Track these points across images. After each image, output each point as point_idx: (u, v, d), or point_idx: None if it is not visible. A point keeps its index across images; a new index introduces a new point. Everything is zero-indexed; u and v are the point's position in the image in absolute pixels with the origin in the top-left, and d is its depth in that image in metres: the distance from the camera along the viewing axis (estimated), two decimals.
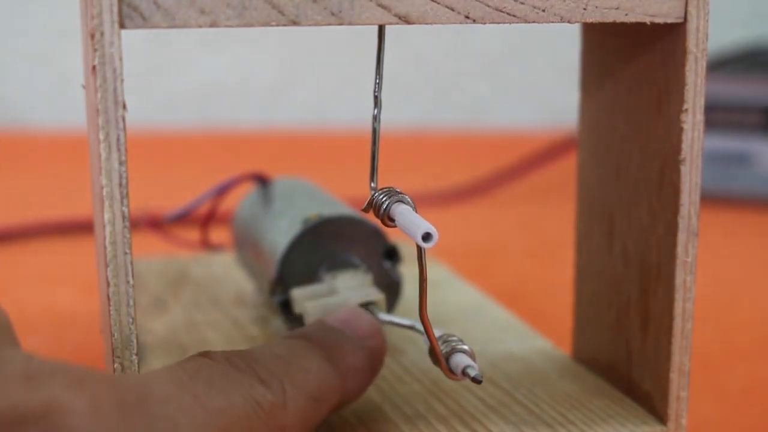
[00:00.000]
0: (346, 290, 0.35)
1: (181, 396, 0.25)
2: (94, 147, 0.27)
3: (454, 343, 0.30)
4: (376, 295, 0.35)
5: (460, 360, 0.30)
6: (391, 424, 0.31)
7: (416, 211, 0.29)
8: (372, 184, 0.31)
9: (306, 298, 0.35)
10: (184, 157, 0.96)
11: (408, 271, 0.45)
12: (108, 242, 0.26)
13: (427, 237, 0.27)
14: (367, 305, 0.35)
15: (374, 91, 0.31)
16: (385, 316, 0.35)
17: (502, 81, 1.12)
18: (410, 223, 0.28)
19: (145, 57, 1.07)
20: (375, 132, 0.31)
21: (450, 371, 0.30)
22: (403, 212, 0.29)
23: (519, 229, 0.71)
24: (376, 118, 0.31)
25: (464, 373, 0.30)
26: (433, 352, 0.30)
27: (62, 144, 0.93)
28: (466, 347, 0.30)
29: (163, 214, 0.46)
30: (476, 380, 0.30)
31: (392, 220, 0.29)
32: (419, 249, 0.28)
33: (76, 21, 0.34)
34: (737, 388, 0.43)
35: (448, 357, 0.30)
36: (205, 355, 0.27)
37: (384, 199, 0.29)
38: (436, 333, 0.31)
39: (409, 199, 0.29)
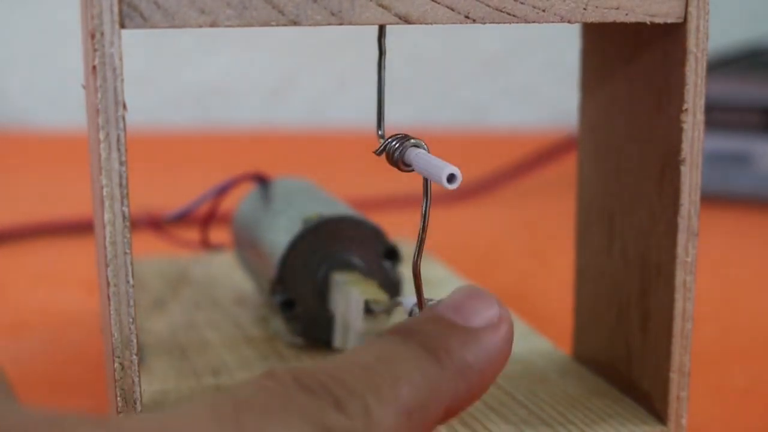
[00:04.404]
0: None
1: None
2: (94, 147, 0.27)
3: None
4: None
5: None
6: None
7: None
8: (379, 132, 0.30)
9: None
10: (184, 157, 0.96)
11: (408, 271, 0.45)
12: (108, 242, 0.26)
13: (451, 178, 0.26)
14: (366, 303, 0.35)
15: (378, 39, 0.31)
16: (376, 307, 0.35)
17: (502, 81, 1.12)
18: (431, 165, 0.27)
19: (145, 57, 1.07)
20: (380, 79, 0.31)
21: None
22: (420, 155, 0.28)
23: (519, 229, 0.71)
24: (381, 66, 0.31)
25: None
26: (418, 306, 0.30)
27: (62, 144, 0.93)
28: None
29: (163, 214, 0.46)
30: None
31: (408, 165, 0.28)
32: (426, 184, 0.27)
33: (76, 21, 0.34)
34: (737, 388, 0.43)
35: None
36: (268, 375, 0.22)
37: (397, 144, 0.29)
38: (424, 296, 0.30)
39: (424, 144, 0.28)
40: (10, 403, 0.23)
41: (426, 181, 0.28)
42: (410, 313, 0.30)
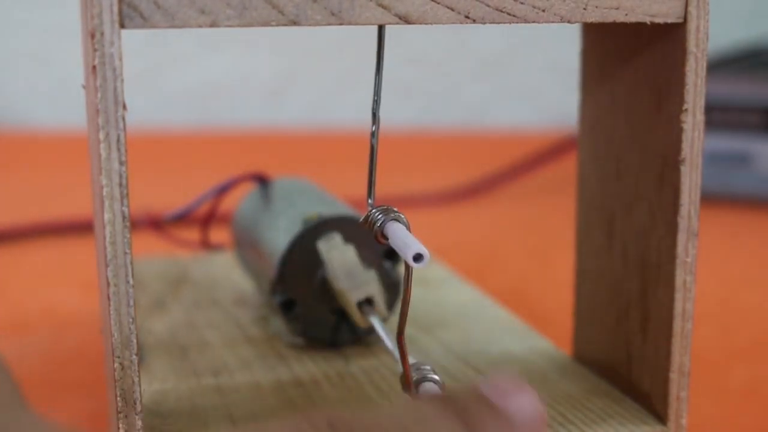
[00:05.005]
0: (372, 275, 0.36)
1: None
2: (94, 147, 0.27)
3: (425, 372, 0.30)
4: (382, 308, 0.35)
5: (429, 389, 0.30)
6: None
7: (410, 231, 0.29)
8: (369, 201, 0.31)
9: (334, 248, 0.36)
10: (184, 157, 0.96)
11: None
12: (108, 242, 0.26)
13: (418, 258, 0.27)
14: (365, 302, 0.35)
15: (372, 109, 0.31)
16: (377, 324, 0.35)
17: (502, 81, 1.12)
18: (402, 243, 0.28)
19: (145, 57, 1.07)
20: (373, 149, 0.31)
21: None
22: (396, 231, 0.29)
23: (519, 229, 0.71)
24: (374, 135, 0.31)
25: None
26: (404, 377, 0.31)
27: (62, 144, 0.93)
28: (437, 377, 0.30)
29: (163, 214, 0.46)
30: None
31: (385, 238, 0.29)
32: (407, 270, 0.29)
33: (76, 21, 0.34)
34: (737, 388, 0.43)
35: (417, 384, 0.30)
36: (304, 418, 0.23)
37: (379, 216, 0.30)
38: (410, 360, 0.31)
39: (404, 219, 0.30)
40: (25, 414, 0.23)
41: (406, 266, 0.29)
42: (401, 375, 0.31)
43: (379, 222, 0.30)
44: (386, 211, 0.30)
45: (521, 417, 0.25)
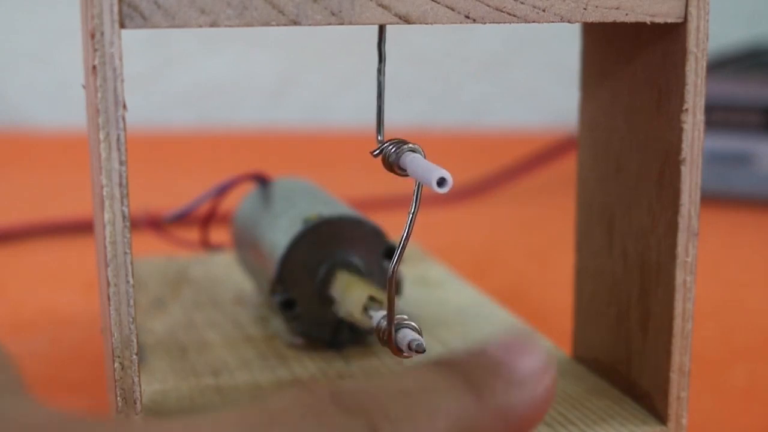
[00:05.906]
0: None
1: None
2: (94, 147, 0.27)
3: (402, 320, 0.30)
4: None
5: (407, 335, 0.30)
6: None
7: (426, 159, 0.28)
8: (379, 137, 0.31)
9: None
10: (184, 157, 0.96)
11: (408, 271, 0.45)
12: (108, 242, 0.26)
13: (441, 182, 0.27)
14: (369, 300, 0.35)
15: (378, 45, 0.31)
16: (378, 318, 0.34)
17: (502, 81, 1.12)
18: (423, 169, 0.28)
19: (145, 57, 1.07)
20: (380, 84, 0.31)
21: (397, 349, 0.30)
22: (414, 159, 0.29)
23: (519, 229, 0.71)
24: (380, 72, 0.31)
25: (410, 347, 0.30)
26: (387, 322, 0.30)
27: (62, 144, 0.93)
28: (414, 324, 0.30)
29: (163, 214, 0.46)
30: (420, 350, 0.29)
31: (403, 169, 0.29)
32: (415, 201, 0.28)
33: (76, 21, 0.34)
34: (737, 388, 0.43)
35: (396, 332, 0.30)
36: (305, 389, 0.22)
37: (393, 149, 0.29)
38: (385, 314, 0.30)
39: (419, 148, 0.29)
40: (26, 400, 0.22)
41: (417, 186, 0.28)
42: (377, 327, 0.31)
43: (395, 154, 0.29)
44: (399, 143, 0.29)
45: (530, 377, 0.24)
